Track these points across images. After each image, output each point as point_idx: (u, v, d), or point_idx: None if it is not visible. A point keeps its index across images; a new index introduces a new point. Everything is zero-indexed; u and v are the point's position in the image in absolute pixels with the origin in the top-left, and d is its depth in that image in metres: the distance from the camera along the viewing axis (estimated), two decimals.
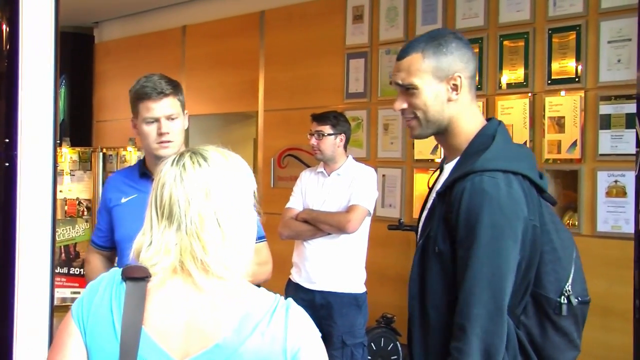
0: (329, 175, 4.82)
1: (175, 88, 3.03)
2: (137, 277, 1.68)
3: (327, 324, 4.62)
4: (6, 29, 4.39)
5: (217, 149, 1.81)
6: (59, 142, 5.33)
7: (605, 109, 5.09)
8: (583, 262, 2.38)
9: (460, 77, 2.27)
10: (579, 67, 5.25)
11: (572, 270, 2.28)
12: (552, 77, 5.39)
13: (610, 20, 5.12)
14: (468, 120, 2.31)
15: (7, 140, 4.37)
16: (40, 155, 4.33)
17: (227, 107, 8.27)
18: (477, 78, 2.35)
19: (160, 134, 2.97)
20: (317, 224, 4.70)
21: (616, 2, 5.09)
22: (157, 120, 2.97)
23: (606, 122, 5.08)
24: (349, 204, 4.66)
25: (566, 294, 2.24)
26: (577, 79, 5.26)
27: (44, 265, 4.40)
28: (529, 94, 5.51)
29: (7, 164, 4.32)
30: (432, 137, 2.41)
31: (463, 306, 2.10)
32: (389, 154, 6.43)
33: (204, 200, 1.73)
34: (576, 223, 5.20)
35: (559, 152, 5.31)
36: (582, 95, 5.21)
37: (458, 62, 2.28)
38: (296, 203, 4.90)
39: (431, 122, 2.31)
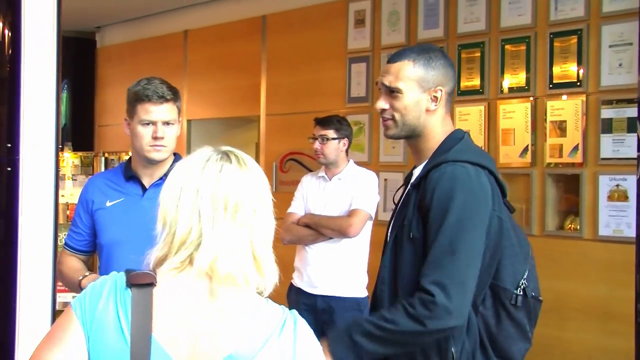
0: (330, 180, 4.83)
1: (175, 95, 3.04)
2: (143, 283, 1.65)
3: (329, 328, 4.61)
4: (8, 34, 4.39)
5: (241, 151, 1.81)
6: (60, 146, 5.34)
7: (606, 113, 5.09)
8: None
9: (441, 90, 2.49)
10: (581, 71, 5.25)
11: (527, 268, 2.45)
12: (554, 81, 5.39)
13: (611, 25, 5.12)
14: (440, 129, 2.52)
15: (9, 145, 4.37)
16: (42, 159, 4.33)
17: (229, 112, 8.28)
18: (455, 91, 2.61)
19: (155, 138, 2.96)
20: (319, 229, 4.70)
21: (617, 7, 5.09)
22: (153, 123, 2.97)
23: (608, 126, 5.08)
24: (350, 208, 4.66)
25: (522, 287, 2.41)
26: (578, 83, 5.26)
27: (46, 269, 4.40)
28: (531, 98, 5.51)
29: (9, 169, 4.32)
30: None
31: (426, 269, 2.27)
32: (390, 158, 6.43)
33: (268, 204, 1.75)
34: (578, 227, 5.20)
35: (560, 156, 5.30)
36: (584, 99, 5.21)
37: (442, 77, 2.50)
38: (298, 208, 4.90)
39: (407, 126, 2.51)
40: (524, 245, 2.49)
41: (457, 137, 2.50)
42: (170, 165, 3.05)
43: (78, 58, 9.87)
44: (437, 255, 2.28)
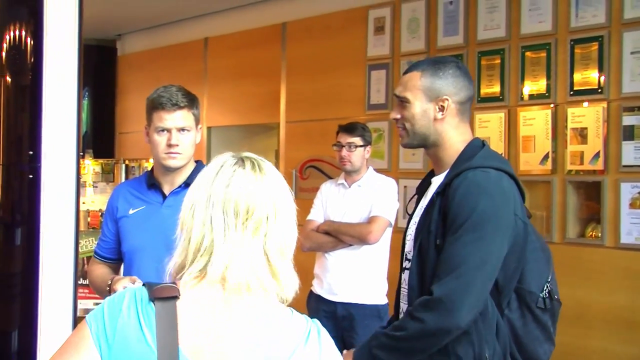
0: (349, 187, 4.83)
1: (191, 102, 3.03)
2: (166, 297, 1.63)
3: (349, 336, 4.61)
4: (30, 42, 4.43)
5: (263, 158, 1.79)
6: (81, 153, 5.37)
7: (628, 119, 5.06)
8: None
9: (447, 100, 2.52)
10: (602, 78, 5.22)
11: (551, 271, 2.50)
12: (575, 88, 5.37)
13: (633, 31, 5.09)
14: (455, 138, 2.55)
15: (30, 153, 4.40)
16: (63, 167, 4.36)
17: (249, 119, 8.30)
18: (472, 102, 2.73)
19: (169, 145, 2.97)
20: (339, 236, 4.70)
21: (639, 13, 5.06)
22: (168, 130, 2.98)
23: (629, 133, 5.05)
24: (370, 215, 4.65)
25: (547, 289, 2.45)
26: (599, 90, 5.23)
27: (67, 276, 4.42)
28: (551, 105, 5.49)
29: (30, 176, 4.35)
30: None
31: (440, 271, 2.32)
32: (410, 165, 6.42)
33: (286, 212, 1.72)
34: (599, 235, 5.16)
35: (581, 163, 5.27)
36: (605, 106, 5.18)
37: (450, 87, 2.53)
38: (317, 215, 4.90)
39: (417, 135, 2.57)
40: (545, 248, 2.53)
41: (476, 145, 2.53)
42: (192, 172, 3.06)
43: (99, 66, 9.93)
44: (446, 257, 2.32)
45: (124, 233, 3.12)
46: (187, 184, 3.01)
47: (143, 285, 1.68)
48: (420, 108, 2.54)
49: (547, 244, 2.58)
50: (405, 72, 2.62)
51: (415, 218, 2.61)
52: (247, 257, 1.65)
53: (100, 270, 3.15)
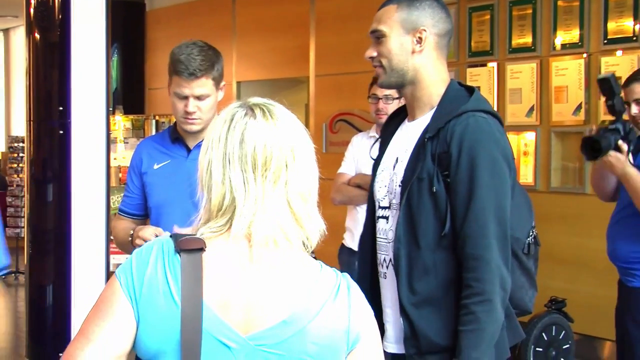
0: None
1: (211, 65, 2.96)
2: (192, 249, 1.61)
3: None
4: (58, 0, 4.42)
5: (274, 102, 1.74)
6: (111, 109, 5.39)
7: None
8: None
9: (425, 31, 2.39)
10: (637, 26, 5.12)
11: (532, 217, 2.45)
12: (608, 37, 5.27)
13: None
14: (433, 75, 2.43)
15: (60, 108, 4.43)
16: (94, 123, 4.38)
17: (278, 73, 8.26)
18: (451, 43, 2.57)
19: (185, 112, 2.96)
20: None
21: None
22: (185, 97, 2.96)
23: None
24: None
25: (532, 235, 2.42)
26: (634, 38, 5.13)
27: (99, 231, 4.47)
28: (584, 55, 5.40)
29: (61, 132, 4.38)
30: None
31: (474, 238, 2.24)
32: None
33: (306, 157, 1.67)
34: None
35: None
36: None
37: (428, 18, 2.40)
38: (348, 168, 4.88)
39: (395, 71, 2.44)
40: (525, 194, 2.48)
41: (457, 88, 2.43)
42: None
43: (127, 22, 9.91)
44: (472, 232, 2.24)
45: (150, 188, 3.11)
46: None
47: (170, 236, 1.67)
48: (397, 41, 2.41)
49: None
50: (380, 7, 2.49)
51: (387, 163, 2.51)
52: (270, 209, 1.62)
53: (123, 225, 3.14)
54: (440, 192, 2.29)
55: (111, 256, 4.68)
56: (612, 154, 3.52)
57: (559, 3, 5.57)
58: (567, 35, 5.53)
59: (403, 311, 2.34)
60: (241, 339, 1.59)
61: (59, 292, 4.49)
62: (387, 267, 2.46)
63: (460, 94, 2.39)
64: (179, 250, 1.61)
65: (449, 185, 2.29)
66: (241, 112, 1.67)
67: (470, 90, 2.44)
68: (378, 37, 2.45)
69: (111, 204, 4.90)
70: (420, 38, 2.39)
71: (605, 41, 5.29)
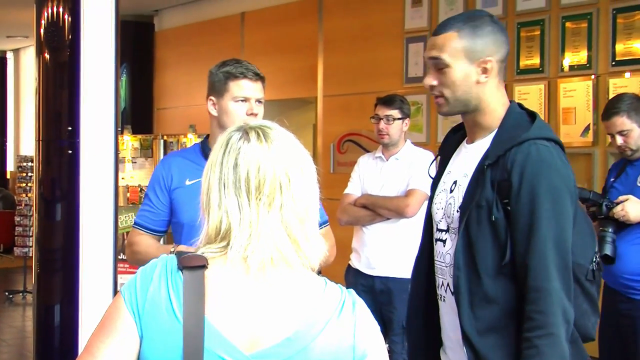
0: (387, 160, 4.80)
1: (264, 76, 3.12)
2: (195, 265, 1.62)
3: (388, 310, 4.60)
4: (68, 19, 4.46)
5: (273, 124, 1.73)
6: (120, 129, 5.41)
7: None
8: None
9: (491, 60, 2.33)
10: None
11: (596, 242, 2.42)
12: (617, 59, 5.28)
13: None
14: (497, 101, 2.39)
15: (70, 128, 4.44)
16: (102, 142, 4.40)
17: (286, 93, 8.29)
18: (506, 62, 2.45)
19: (249, 115, 3.00)
20: (376, 209, 4.68)
21: None
22: (247, 100, 3.02)
23: None
24: (407, 188, 4.63)
25: (595, 261, 2.36)
26: None
27: (107, 251, 4.48)
28: (592, 76, 5.40)
29: (70, 151, 4.40)
30: None
31: (537, 269, 2.19)
32: None
33: (301, 179, 1.66)
34: None
35: None
36: None
37: (491, 45, 2.34)
38: (354, 188, 4.88)
39: (459, 101, 2.37)
40: (588, 220, 2.45)
41: (518, 112, 2.38)
42: None
43: (137, 42, 9.96)
44: (533, 263, 2.20)
45: (181, 204, 3.05)
46: None
47: (174, 254, 1.68)
48: (461, 72, 2.33)
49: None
50: (437, 33, 2.40)
51: (445, 185, 2.48)
52: (266, 232, 1.62)
53: (149, 242, 3.07)
54: (500, 220, 2.24)
55: (119, 276, 4.68)
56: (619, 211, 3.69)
57: (567, 24, 5.58)
58: (575, 56, 5.53)
59: (466, 339, 2.29)
60: (244, 357, 1.59)
61: (67, 312, 4.48)
62: (445, 290, 2.43)
63: (521, 119, 2.35)
64: (182, 267, 1.62)
65: (509, 214, 2.25)
66: (236, 136, 1.68)
67: (532, 115, 2.39)
68: (439, 67, 2.37)
69: (119, 223, 4.91)
70: (485, 68, 2.33)
71: (614, 63, 5.29)
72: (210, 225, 1.66)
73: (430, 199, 2.55)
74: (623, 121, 3.86)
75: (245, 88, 3.03)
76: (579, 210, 2.36)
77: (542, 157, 2.24)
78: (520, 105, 2.45)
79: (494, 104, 2.38)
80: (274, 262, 1.63)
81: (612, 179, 4.10)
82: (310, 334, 1.61)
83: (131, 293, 1.64)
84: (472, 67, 2.33)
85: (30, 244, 9.25)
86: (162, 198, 3.07)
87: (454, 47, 2.34)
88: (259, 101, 3.07)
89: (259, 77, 3.07)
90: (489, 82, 2.35)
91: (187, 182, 3.05)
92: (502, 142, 2.30)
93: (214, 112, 3.06)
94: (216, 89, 3.05)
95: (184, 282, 1.61)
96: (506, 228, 2.25)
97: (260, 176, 1.63)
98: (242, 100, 3.02)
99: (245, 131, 1.68)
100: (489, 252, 2.27)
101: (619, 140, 3.91)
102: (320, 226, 3.24)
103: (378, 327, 1.71)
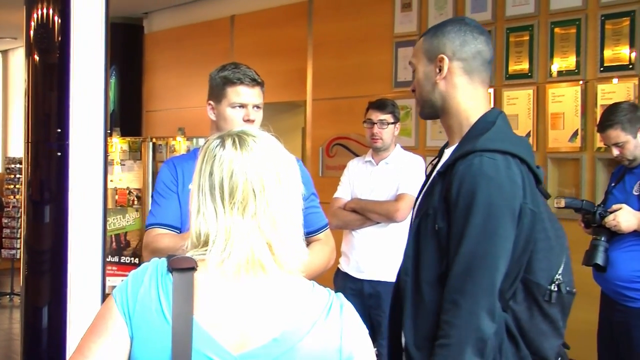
0: (377, 164, 4.81)
1: (262, 81, 3.08)
2: (184, 267, 1.65)
3: (376, 314, 4.61)
4: (57, 21, 4.45)
5: (260, 131, 1.76)
6: (109, 132, 5.40)
7: None
8: None
9: (444, 58, 2.34)
10: (633, 54, 5.15)
11: (563, 261, 2.31)
12: (605, 65, 5.30)
13: None
14: (464, 104, 2.36)
15: (59, 130, 4.43)
16: (91, 144, 4.39)
17: (275, 97, 8.27)
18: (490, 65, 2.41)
19: (246, 121, 2.98)
20: (366, 213, 4.69)
21: None
22: (244, 106, 3.00)
23: None
24: (397, 192, 4.64)
25: (557, 282, 2.27)
26: (630, 66, 5.16)
27: (96, 253, 4.46)
28: (581, 82, 5.43)
29: (59, 153, 4.38)
30: None
31: (455, 281, 2.16)
32: (437, 142, 6.37)
33: (277, 185, 1.69)
34: None
35: None
36: (636, 82, 5.11)
37: (447, 43, 2.35)
38: (344, 192, 4.89)
39: (425, 102, 2.41)
40: (560, 236, 2.34)
41: (489, 121, 2.31)
42: None
43: (126, 44, 9.94)
44: (458, 256, 2.17)
45: (184, 207, 3.01)
46: None
47: (167, 257, 1.70)
48: (422, 72, 2.38)
49: (563, 228, 2.39)
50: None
51: (425, 189, 2.46)
52: (241, 238, 1.66)
53: (175, 239, 2.96)
54: (443, 230, 2.22)
55: (107, 278, 4.67)
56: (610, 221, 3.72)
57: (556, 30, 5.60)
58: (563, 62, 5.56)
59: (406, 349, 2.29)
60: (232, 357, 1.62)
61: (55, 314, 4.47)
62: None
63: (485, 129, 2.29)
64: (172, 269, 1.65)
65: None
66: (215, 143, 1.72)
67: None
68: (413, 71, 2.44)
69: (108, 226, 4.90)
70: (440, 67, 2.34)
71: (602, 69, 5.32)
72: (192, 231, 1.70)
73: (415, 203, 2.55)
74: (618, 134, 3.88)
75: (242, 94, 3.00)
76: (547, 225, 2.29)
77: (482, 171, 2.17)
78: (501, 114, 2.38)
79: (461, 106, 2.35)
80: (250, 266, 1.65)
81: (612, 184, 4.12)
82: (297, 335, 1.63)
83: (122, 295, 1.66)
84: (431, 67, 2.37)
85: (18, 246, 9.23)
86: (173, 194, 3.01)
87: (418, 49, 2.42)
88: (257, 107, 3.04)
89: (256, 82, 3.04)
90: (449, 80, 2.35)
91: (190, 187, 3.02)
92: (457, 151, 2.29)
93: (213, 117, 3.06)
94: (215, 93, 3.05)
95: (173, 284, 1.64)
96: (447, 238, 2.22)
97: (233, 182, 1.66)
98: (239, 106, 3.00)
99: (222, 138, 1.72)
100: (431, 261, 2.25)
101: (615, 152, 3.93)
102: (320, 230, 3.24)
103: (366, 331, 1.73)
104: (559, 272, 2.28)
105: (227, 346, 1.62)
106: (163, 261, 1.69)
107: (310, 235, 3.05)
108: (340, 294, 1.74)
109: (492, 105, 2.54)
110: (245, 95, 3.01)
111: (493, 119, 2.32)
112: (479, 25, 2.42)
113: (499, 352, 2.20)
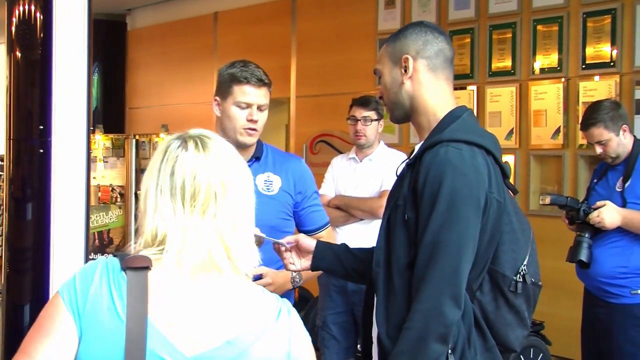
0: (360, 161, 4.82)
1: (270, 81, 3.06)
2: (138, 267, 1.64)
3: (359, 310, 4.62)
4: (40, 17, 4.42)
5: (213, 133, 1.77)
6: (92, 128, 5.38)
7: None
8: None
9: (409, 58, 2.37)
10: (614, 52, 5.18)
11: (528, 254, 2.36)
12: (587, 62, 5.33)
13: None
14: (431, 101, 2.39)
15: (41, 127, 4.40)
16: (74, 141, 4.37)
17: None
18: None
19: (250, 121, 2.96)
20: (350, 210, 4.70)
21: None
22: (249, 106, 2.97)
23: None
24: (381, 189, 4.65)
25: (522, 273, 2.32)
26: (612, 64, 5.19)
27: (78, 251, 4.44)
28: (563, 79, 5.46)
29: (41, 150, 4.36)
30: None
31: (420, 268, 2.19)
32: None
33: (237, 188, 1.70)
34: None
35: None
36: (617, 80, 5.15)
37: (410, 44, 2.39)
38: (328, 189, 4.90)
39: (394, 104, 2.44)
40: (525, 229, 2.38)
41: (456, 116, 2.36)
42: (255, 150, 3.04)
43: (109, 41, 9.89)
44: (423, 244, 2.20)
45: None
46: (256, 158, 3.04)
47: (114, 255, 1.69)
48: (389, 76, 2.43)
49: (529, 221, 2.44)
50: None
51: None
52: (199, 239, 1.66)
53: None
54: (412, 220, 2.25)
55: None
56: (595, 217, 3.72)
57: (539, 27, 5.63)
58: (546, 59, 5.58)
59: (378, 339, 2.31)
60: (185, 359, 1.61)
61: (37, 312, 4.42)
62: None
63: (454, 122, 2.33)
64: (125, 268, 1.63)
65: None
66: (175, 144, 1.72)
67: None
68: (379, 77, 2.47)
69: (91, 223, 4.88)
70: (405, 66, 2.38)
71: (584, 66, 5.35)
72: (146, 229, 1.69)
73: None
74: (601, 132, 3.90)
75: (248, 94, 2.98)
76: (512, 217, 2.32)
77: (448, 160, 2.21)
78: (468, 110, 2.42)
79: (428, 103, 2.39)
80: (206, 267, 1.66)
81: (595, 181, 4.14)
82: (249, 339, 1.64)
83: (70, 293, 1.64)
84: (397, 69, 2.40)
85: (0, 244, 9.17)
86: None
87: (382, 55, 2.45)
88: (262, 107, 3.02)
89: (263, 83, 3.02)
90: (414, 79, 2.39)
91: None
92: (424, 144, 2.33)
93: (218, 113, 3.05)
94: (221, 90, 3.03)
95: (127, 283, 1.62)
96: (416, 228, 2.24)
97: (195, 184, 1.67)
98: (243, 106, 2.98)
99: (184, 140, 1.72)
100: (401, 252, 2.28)
101: (598, 149, 3.95)
102: (322, 227, 3.26)
103: (309, 338, 1.75)
104: (524, 263, 2.33)
105: (180, 347, 1.61)
106: (113, 260, 1.67)
107: (313, 233, 3.09)
108: (286, 300, 1.76)
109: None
110: (251, 95, 2.98)
111: (460, 114, 2.37)
112: (438, 27, 2.49)
113: (467, 342, 2.22)
